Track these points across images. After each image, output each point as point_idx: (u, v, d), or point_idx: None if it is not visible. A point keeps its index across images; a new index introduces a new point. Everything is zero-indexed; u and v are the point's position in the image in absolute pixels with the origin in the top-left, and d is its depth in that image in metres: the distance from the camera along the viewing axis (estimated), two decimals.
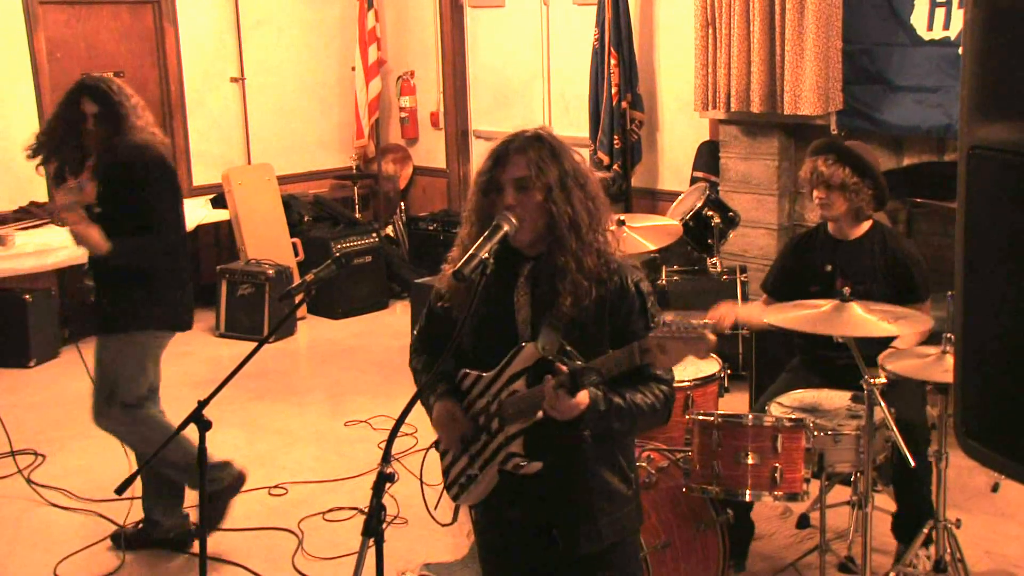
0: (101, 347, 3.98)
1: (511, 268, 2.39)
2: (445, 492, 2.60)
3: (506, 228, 2.28)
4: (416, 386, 2.58)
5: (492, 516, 2.54)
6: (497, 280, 2.34)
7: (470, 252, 2.24)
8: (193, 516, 4.19)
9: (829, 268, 3.81)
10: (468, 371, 2.46)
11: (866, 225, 3.82)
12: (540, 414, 2.29)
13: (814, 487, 3.36)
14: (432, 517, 2.66)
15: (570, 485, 2.40)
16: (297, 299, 3.06)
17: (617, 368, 2.19)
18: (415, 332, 2.70)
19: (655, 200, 6.83)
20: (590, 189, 2.37)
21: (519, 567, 2.54)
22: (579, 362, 2.26)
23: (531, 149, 2.32)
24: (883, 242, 3.81)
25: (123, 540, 4.11)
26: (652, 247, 4.16)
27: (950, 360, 3.18)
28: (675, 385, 3.63)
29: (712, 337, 2.07)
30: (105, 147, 3.82)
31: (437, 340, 2.56)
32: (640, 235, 4.10)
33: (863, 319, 3.21)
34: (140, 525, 4.17)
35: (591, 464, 2.40)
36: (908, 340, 3.57)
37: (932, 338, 3.59)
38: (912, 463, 3.23)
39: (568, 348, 2.30)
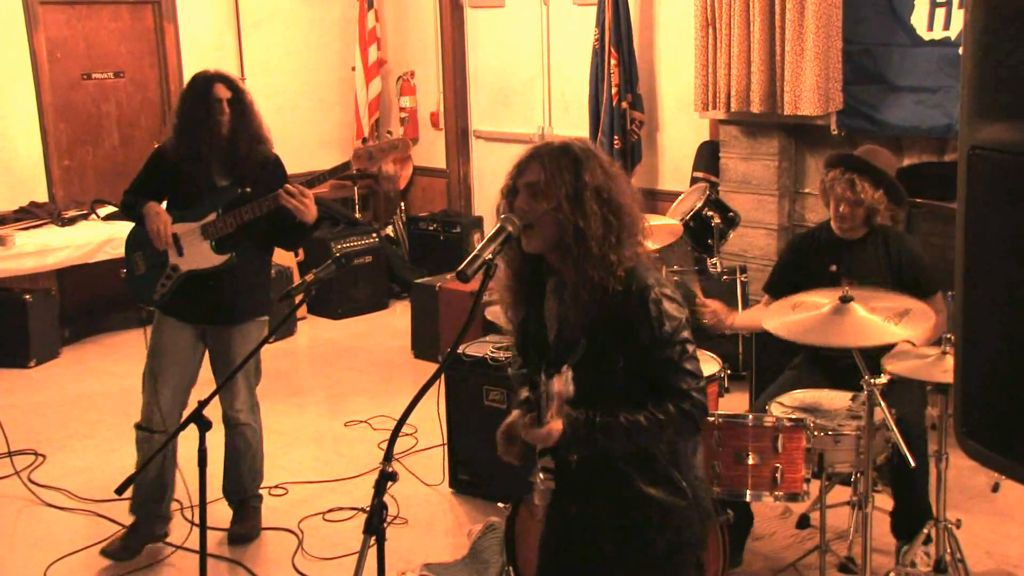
0: (240, 337, 4.00)
1: (539, 285, 2.41)
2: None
3: (509, 229, 2.29)
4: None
5: (554, 514, 2.53)
6: (534, 288, 2.38)
7: (473, 253, 2.26)
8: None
9: (834, 268, 3.82)
10: (540, 378, 2.45)
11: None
12: None
13: (814, 487, 3.37)
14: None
15: (610, 498, 2.38)
16: (297, 299, 3.07)
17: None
18: None
19: (655, 200, 6.83)
20: (615, 203, 2.30)
21: (576, 564, 2.53)
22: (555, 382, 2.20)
23: (548, 157, 2.30)
24: (886, 242, 3.82)
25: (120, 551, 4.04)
26: (651, 247, 4.16)
27: (950, 360, 3.18)
28: None
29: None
30: (242, 140, 3.88)
31: (522, 345, 2.56)
32: None
33: (866, 322, 3.17)
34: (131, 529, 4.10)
35: (631, 478, 2.35)
36: (918, 339, 3.51)
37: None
38: (912, 463, 3.23)
39: (552, 369, 2.23)
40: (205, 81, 3.88)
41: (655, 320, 2.28)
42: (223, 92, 3.86)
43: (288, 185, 3.81)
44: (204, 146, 3.85)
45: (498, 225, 2.29)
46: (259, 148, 3.95)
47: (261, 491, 4.33)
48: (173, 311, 4.01)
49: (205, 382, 4.09)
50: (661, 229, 4.29)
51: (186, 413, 4.04)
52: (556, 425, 2.22)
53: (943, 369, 3.20)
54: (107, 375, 6.25)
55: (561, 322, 2.38)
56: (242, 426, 4.11)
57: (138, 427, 4.03)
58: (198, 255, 3.92)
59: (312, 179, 3.90)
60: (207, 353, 4.10)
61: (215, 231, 3.89)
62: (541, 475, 2.37)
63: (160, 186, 3.97)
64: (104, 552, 4.02)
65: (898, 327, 3.16)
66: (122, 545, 4.03)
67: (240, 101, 3.90)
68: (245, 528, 4.20)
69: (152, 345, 4.04)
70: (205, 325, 4.02)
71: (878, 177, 3.72)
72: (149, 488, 4.03)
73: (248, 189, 3.90)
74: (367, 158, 3.91)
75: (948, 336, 3.27)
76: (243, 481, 4.20)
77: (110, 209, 6.82)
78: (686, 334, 2.31)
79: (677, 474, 2.38)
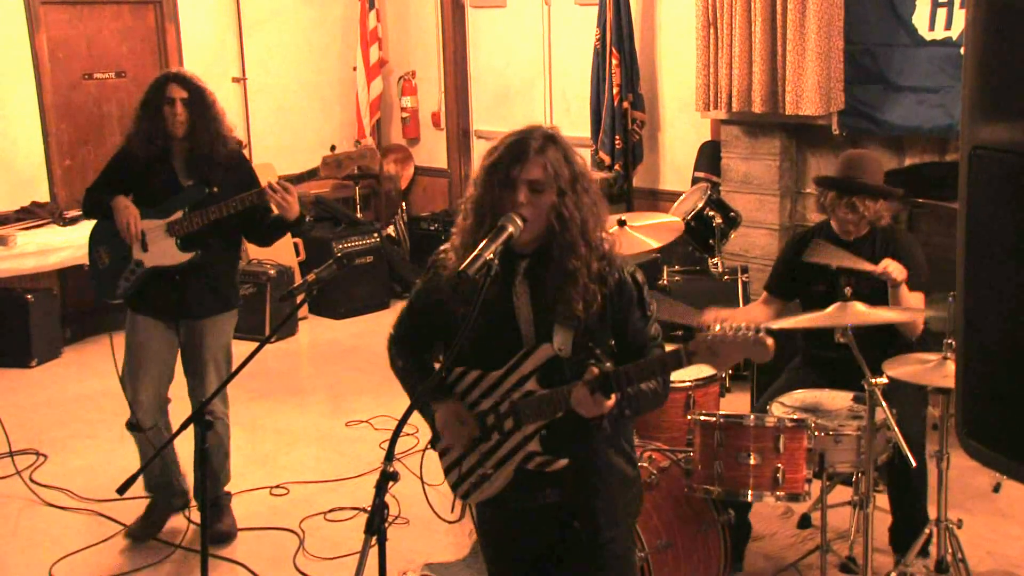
0: (211, 329, 4.04)
1: (507, 265, 2.38)
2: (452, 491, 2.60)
3: (511, 230, 2.28)
4: (402, 383, 2.67)
5: (500, 511, 2.55)
6: (494, 278, 2.35)
7: (475, 253, 2.24)
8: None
9: (834, 267, 3.82)
10: (467, 369, 2.46)
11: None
12: (560, 413, 2.33)
13: (815, 487, 3.36)
14: (436, 515, 2.67)
15: (587, 473, 2.43)
16: (298, 299, 3.07)
17: (661, 372, 2.27)
18: (394, 330, 2.70)
19: (656, 200, 6.83)
20: (594, 192, 2.40)
21: (525, 559, 2.55)
22: (608, 363, 2.30)
23: (549, 150, 2.33)
24: (885, 239, 3.83)
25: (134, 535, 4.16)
26: (654, 244, 4.15)
27: (951, 366, 3.18)
28: (676, 385, 3.68)
29: (770, 341, 2.11)
30: (203, 139, 3.89)
31: (420, 335, 2.63)
32: (642, 233, 4.09)
33: (863, 311, 3.26)
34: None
35: (602, 450, 2.44)
36: (911, 326, 3.62)
37: (934, 343, 3.59)
38: (914, 463, 3.23)
39: (591, 346, 2.33)
40: (160, 81, 3.92)
41: (644, 300, 2.43)
42: (177, 92, 3.87)
43: (272, 181, 3.83)
44: (160, 143, 3.88)
45: (499, 225, 2.29)
46: (223, 148, 3.95)
47: (265, 489, 4.31)
48: (144, 308, 4.04)
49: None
50: (661, 227, 4.27)
51: (170, 409, 4.19)
52: (609, 402, 2.28)
53: (943, 374, 3.20)
54: (109, 375, 6.19)
55: (538, 312, 2.38)
56: (215, 420, 4.09)
57: (128, 426, 4.13)
58: (162, 252, 3.95)
59: (294, 178, 3.93)
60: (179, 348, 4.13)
61: (180, 229, 3.91)
62: (541, 459, 2.39)
63: (125, 183, 3.97)
64: (128, 534, 4.14)
65: (891, 313, 3.28)
66: (143, 524, 4.15)
67: (198, 101, 3.89)
68: (225, 525, 4.20)
69: (128, 344, 4.08)
70: (177, 320, 4.04)
71: (875, 192, 3.77)
72: (159, 475, 4.15)
73: (215, 189, 3.92)
74: (335, 166, 3.95)
75: (949, 342, 3.28)
76: (217, 476, 4.18)
77: None
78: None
79: (628, 446, 2.52)
